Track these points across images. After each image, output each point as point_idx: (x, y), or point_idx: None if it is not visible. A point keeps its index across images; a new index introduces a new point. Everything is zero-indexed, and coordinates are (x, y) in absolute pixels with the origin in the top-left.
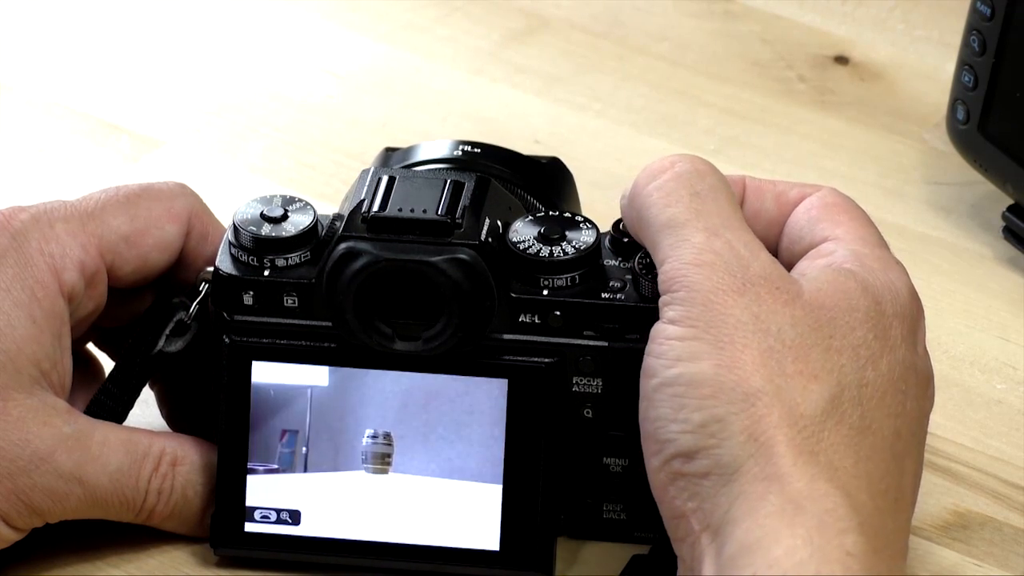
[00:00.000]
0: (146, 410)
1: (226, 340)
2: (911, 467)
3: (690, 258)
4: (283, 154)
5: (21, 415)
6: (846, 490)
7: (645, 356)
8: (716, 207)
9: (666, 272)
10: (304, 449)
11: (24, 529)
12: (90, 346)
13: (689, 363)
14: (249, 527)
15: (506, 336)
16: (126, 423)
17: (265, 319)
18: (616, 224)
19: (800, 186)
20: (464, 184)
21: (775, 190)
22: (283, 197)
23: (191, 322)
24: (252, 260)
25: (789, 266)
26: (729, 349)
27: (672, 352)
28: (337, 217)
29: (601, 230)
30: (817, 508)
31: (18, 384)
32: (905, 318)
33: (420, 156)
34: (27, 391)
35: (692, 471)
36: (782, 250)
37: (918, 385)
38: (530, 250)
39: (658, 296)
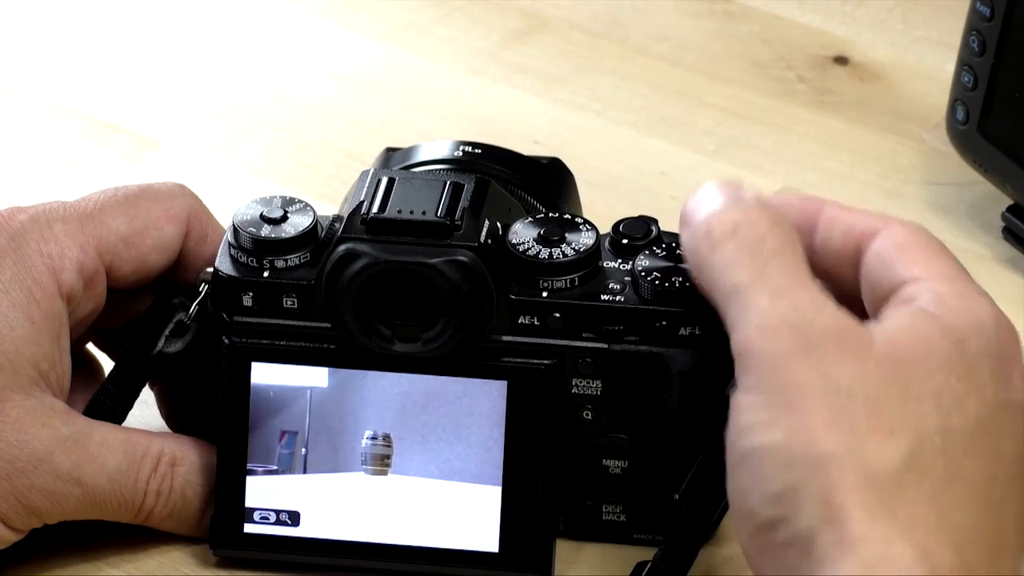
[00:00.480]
0: (146, 410)
1: (225, 341)
2: (1012, 510)
3: (755, 323)
4: (283, 154)
5: (19, 416)
6: (925, 548)
7: (727, 427)
8: (779, 266)
9: (736, 341)
10: (303, 450)
11: (22, 530)
12: (90, 346)
13: (762, 432)
14: (248, 528)
15: (505, 338)
16: (125, 423)
17: (264, 320)
18: (616, 226)
19: (869, 219)
20: (464, 186)
21: (846, 221)
22: (283, 198)
23: (191, 323)
24: (251, 261)
25: (873, 315)
26: (799, 413)
27: (746, 421)
28: (336, 218)
29: (601, 231)
30: (891, 570)
31: (16, 385)
32: (993, 355)
33: (421, 156)
34: (25, 392)
35: (776, 542)
36: (864, 299)
37: (1015, 421)
38: (529, 252)
39: (656, 298)
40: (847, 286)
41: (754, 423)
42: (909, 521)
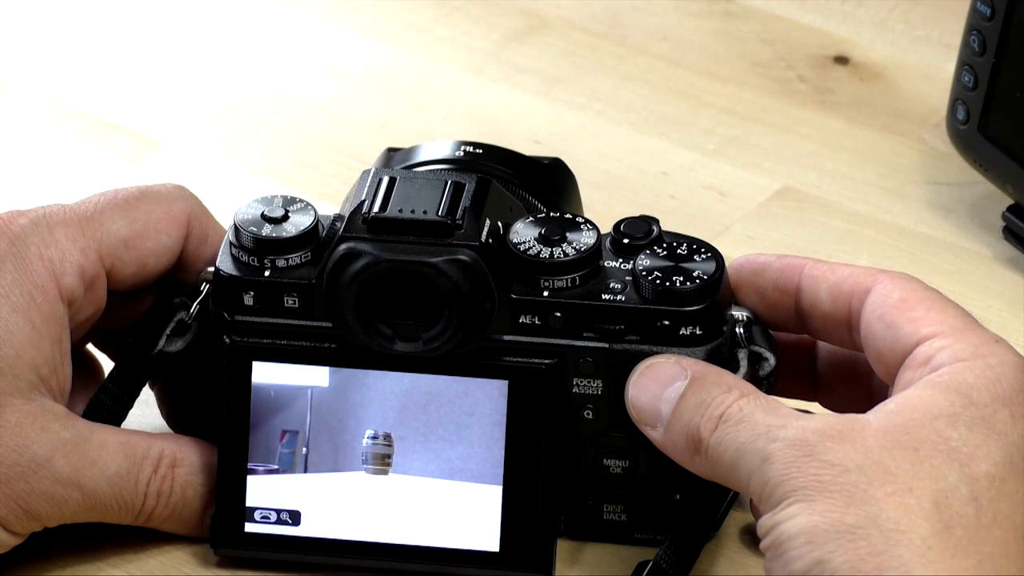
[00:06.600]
0: (146, 410)
1: (226, 340)
2: None
3: (766, 459)
4: (283, 154)
5: (19, 421)
6: None
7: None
8: (760, 409)
9: (768, 477)
10: (304, 450)
11: (22, 534)
12: (90, 347)
13: (786, 523)
14: (249, 527)
15: (506, 337)
16: (126, 423)
17: (265, 319)
18: (617, 225)
19: (856, 276)
20: (465, 185)
21: (831, 280)
22: (284, 197)
23: (192, 322)
24: (253, 260)
25: (887, 378)
26: (819, 500)
27: (771, 521)
28: (338, 218)
29: (602, 231)
30: None
31: (16, 390)
32: (1012, 400)
33: (422, 156)
34: (25, 397)
35: None
36: (871, 361)
37: None
38: (530, 251)
39: (658, 298)
40: (842, 344)
41: (779, 519)
42: (948, 570)
